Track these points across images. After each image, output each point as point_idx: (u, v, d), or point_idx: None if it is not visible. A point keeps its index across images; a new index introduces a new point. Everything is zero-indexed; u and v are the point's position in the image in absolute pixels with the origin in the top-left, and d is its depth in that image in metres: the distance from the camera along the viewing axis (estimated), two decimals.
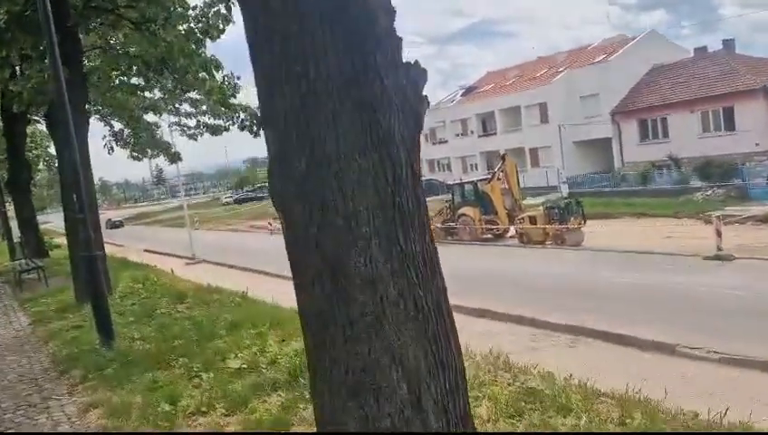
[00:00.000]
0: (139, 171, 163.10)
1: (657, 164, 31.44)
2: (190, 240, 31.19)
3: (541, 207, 23.35)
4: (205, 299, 8.07)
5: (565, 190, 33.87)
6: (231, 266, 26.76)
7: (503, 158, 25.80)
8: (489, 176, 27.03)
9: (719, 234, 16.42)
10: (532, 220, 22.77)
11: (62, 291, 10.00)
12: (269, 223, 39.83)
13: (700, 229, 21.74)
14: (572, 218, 21.84)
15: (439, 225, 27.04)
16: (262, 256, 29.43)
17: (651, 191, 29.46)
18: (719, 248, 16.33)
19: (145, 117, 16.27)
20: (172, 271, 22.04)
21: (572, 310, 13.28)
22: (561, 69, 41.06)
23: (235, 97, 10.74)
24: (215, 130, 11.60)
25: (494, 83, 48.50)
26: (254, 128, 10.70)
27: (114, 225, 60.16)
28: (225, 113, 10.86)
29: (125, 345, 6.58)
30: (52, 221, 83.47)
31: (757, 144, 28.84)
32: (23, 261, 15.82)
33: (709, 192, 26.28)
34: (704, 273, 15.15)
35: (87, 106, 11.94)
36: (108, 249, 41.72)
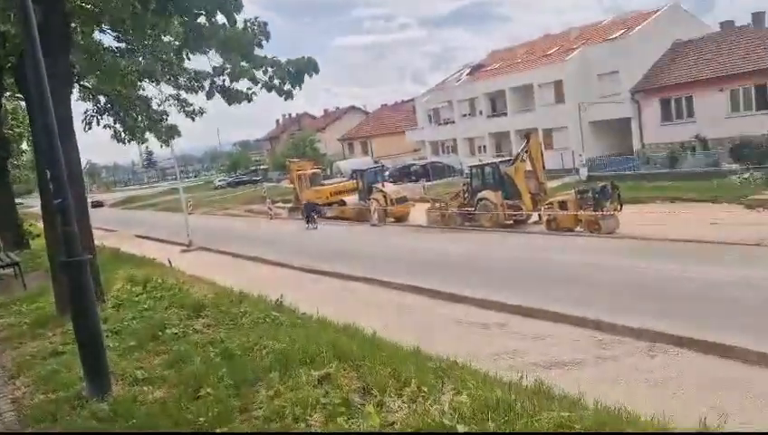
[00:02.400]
0: (129, 154, 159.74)
1: (684, 146, 29.58)
2: (186, 226, 29.12)
3: (572, 191, 21.43)
4: (228, 311, 6.08)
5: (584, 173, 32.04)
6: (235, 255, 24.88)
7: (527, 137, 23.84)
8: (512, 157, 25.12)
9: None
10: (563, 205, 20.90)
11: (42, 295, 7.94)
12: (269, 207, 37.86)
13: (745, 215, 19.98)
14: (608, 203, 19.98)
15: (456, 209, 25.19)
16: (263, 242, 27.61)
17: (679, 174, 27.63)
18: None
19: (138, 92, 14.01)
20: (170, 263, 20.13)
21: (640, 311, 11.46)
22: (575, 46, 39.00)
23: (261, 47, 8.75)
24: (232, 97, 9.59)
25: (502, 61, 46.37)
26: (286, 86, 8.68)
27: (94, 205, 58.51)
28: (247, 72, 8.83)
29: (124, 393, 4.59)
30: (36, 205, 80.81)
31: None
32: None
33: (746, 175, 24.47)
34: None
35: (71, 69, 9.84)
36: (97, 235, 39.42)
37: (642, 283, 13.42)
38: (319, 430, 3.93)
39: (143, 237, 35.26)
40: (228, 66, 9.18)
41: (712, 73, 30.41)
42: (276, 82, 8.87)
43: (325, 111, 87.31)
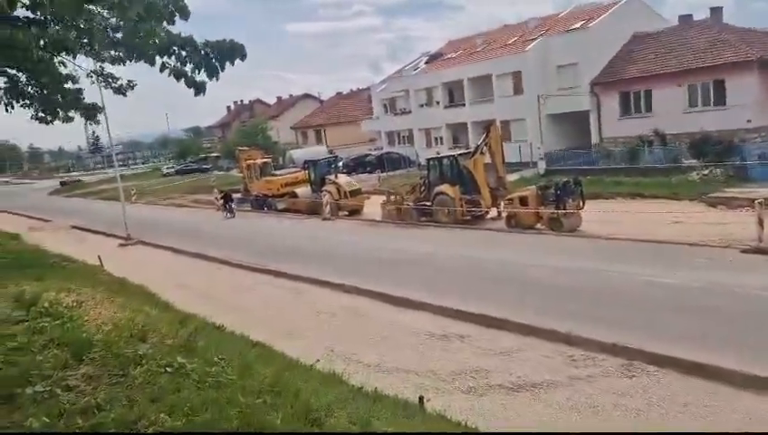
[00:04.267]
0: (75, 140, 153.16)
1: (643, 140, 29.13)
2: (124, 217, 27.13)
3: (533, 186, 20.56)
4: (121, 353, 4.59)
5: (542, 167, 31.41)
6: (174, 250, 23.14)
7: (487, 128, 22.85)
8: (471, 149, 24.10)
9: (761, 223, 13.94)
10: (523, 201, 19.99)
11: None
12: (216, 198, 35.95)
13: (707, 213, 19.46)
14: (570, 200, 19.17)
15: (412, 204, 24.05)
16: (207, 236, 25.85)
17: (638, 170, 27.17)
18: (761, 240, 13.88)
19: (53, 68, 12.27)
20: (100, 261, 18.35)
21: (614, 323, 10.54)
22: (534, 36, 38.25)
23: (172, 23, 7.09)
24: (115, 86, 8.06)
25: (461, 50, 45.35)
26: (199, 75, 7.10)
27: None
28: (147, 48, 7.22)
29: None
30: None
31: (749, 121, 26.85)
32: None
33: (706, 171, 24.13)
34: (754, 271, 12.67)
35: None
36: (29, 224, 36.66)
37: (611, 288, 12.55)
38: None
39: (81, 229, 33.00)
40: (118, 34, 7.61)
41: (671, 68, 30.06)
42: (188, 68, 7.35)
43: (278, 98, 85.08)
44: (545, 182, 21.05)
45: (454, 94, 42.54)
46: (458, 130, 41.99)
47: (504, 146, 23.04)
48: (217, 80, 7.70)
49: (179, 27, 8.65)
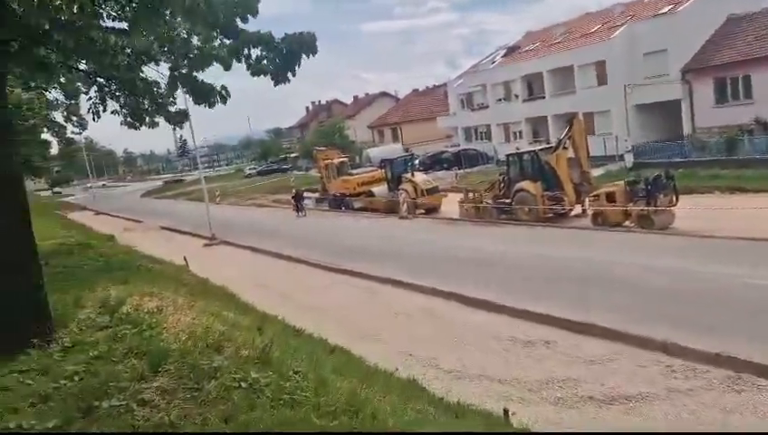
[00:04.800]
0: (164, 143, 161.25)
1: (742, 129, 27.04)
2: (208, 218, 28.06)
3: (621, 182, 19.47)
4: (196, 364, 4.49)
5: (630, 160, 29.83)
6: (254, 250, 23.66)
7: (570, 122, 21.87)
8: (553, 144, 23.17)
9: None
10: (610, 197, 18.97)
11: None
12: (293, 198, 36.59)
13: None
14: (661, 196, 17.99)
15: (491, 202, 23.41)
16: (285, 235, 26.24)
17: (737, 161, 25.21)
18: None
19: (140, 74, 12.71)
20: (186, 262, 18.96)
21: (713, 329, 9.67)
22: (619, 23, 36.42)
23: (245, 21, 7.10)
24: (198, 92, 8.10)
25: (539, 42, 43.92)
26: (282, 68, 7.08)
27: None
28: (216, 50, 7.24)
29: None
30: (74, 194, 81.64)
31: None
32: None
33: None
34: None
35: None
36: (123, 225, 38.59)
37: (708, 291, 11.57)
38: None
39: (169, 229, 34.50)
40: (196, 41, 7.64)
41: None
42: (265, 63, 7.33)
43: (355, 97, 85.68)
44: (634, 177, 19.91)
45: (533, 87, 41.26)
46: (538, 124, 40.70)
47: (587, 139, 22.00)
48: (294, 75, 7.67)
49: (258, 25, 8.65)
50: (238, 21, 7.25)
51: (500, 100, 43.94)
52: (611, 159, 31.17)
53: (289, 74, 7.50)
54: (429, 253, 18.75)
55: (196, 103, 8.52)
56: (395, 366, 8.00)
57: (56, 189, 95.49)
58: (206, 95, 8.63)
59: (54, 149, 53.81)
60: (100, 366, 4.77)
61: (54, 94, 26.07)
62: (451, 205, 26.20)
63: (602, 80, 35.12)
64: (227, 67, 7.66)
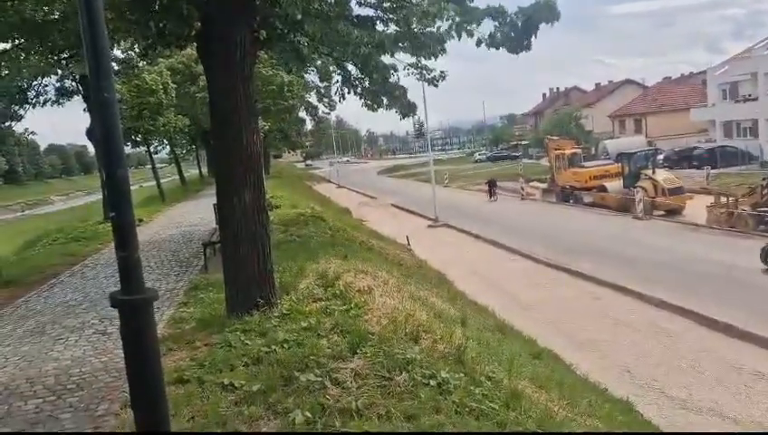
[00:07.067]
0: (406, 124, 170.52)
1: None
2: (434, 200, 28.92)
3: None
4: (391, 352, 4.47)
5: None
6: (475, 236, 23.76)
7: None
8: None
9: None
10: None
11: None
12: (521, 187, 35.89)
13: None
14: None
15: (749, 209, 20.18)
16: (504, 225, 25.71)
17: None
18: None
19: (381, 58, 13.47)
20: (408, 241, 19.74)
21: None
22: None
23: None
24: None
25: None
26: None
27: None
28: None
29: None
30: (321, 168, 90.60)
31: None
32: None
33: None
34: None
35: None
36: (356, 200, 42.13)
37: None
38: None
39: (398, 208, 36.42)
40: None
41: None
42: (498, 37, 7.17)
43: (597, 84, 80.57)
44: None
45: None
46: None
47: None
48: (529, 48, 7.49)
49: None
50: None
51: None
52: None
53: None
54: (665, 261, 16.82)
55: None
56: (607, 383, 7.28)
57: (308, 162, 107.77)
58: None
59: (308, 126, 60.50)
60: (306, 338, 5.08)
61: (309, 78, 29.18)
62: (697, 208, 23.21)
63: None
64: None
